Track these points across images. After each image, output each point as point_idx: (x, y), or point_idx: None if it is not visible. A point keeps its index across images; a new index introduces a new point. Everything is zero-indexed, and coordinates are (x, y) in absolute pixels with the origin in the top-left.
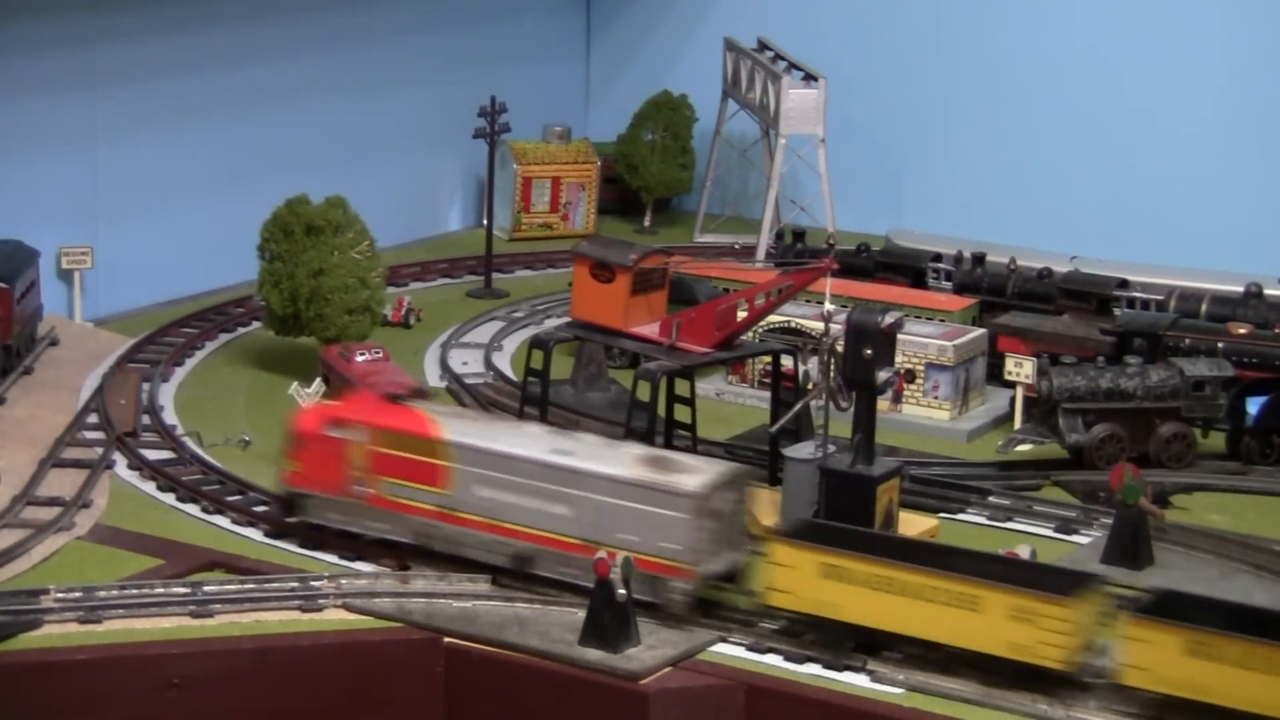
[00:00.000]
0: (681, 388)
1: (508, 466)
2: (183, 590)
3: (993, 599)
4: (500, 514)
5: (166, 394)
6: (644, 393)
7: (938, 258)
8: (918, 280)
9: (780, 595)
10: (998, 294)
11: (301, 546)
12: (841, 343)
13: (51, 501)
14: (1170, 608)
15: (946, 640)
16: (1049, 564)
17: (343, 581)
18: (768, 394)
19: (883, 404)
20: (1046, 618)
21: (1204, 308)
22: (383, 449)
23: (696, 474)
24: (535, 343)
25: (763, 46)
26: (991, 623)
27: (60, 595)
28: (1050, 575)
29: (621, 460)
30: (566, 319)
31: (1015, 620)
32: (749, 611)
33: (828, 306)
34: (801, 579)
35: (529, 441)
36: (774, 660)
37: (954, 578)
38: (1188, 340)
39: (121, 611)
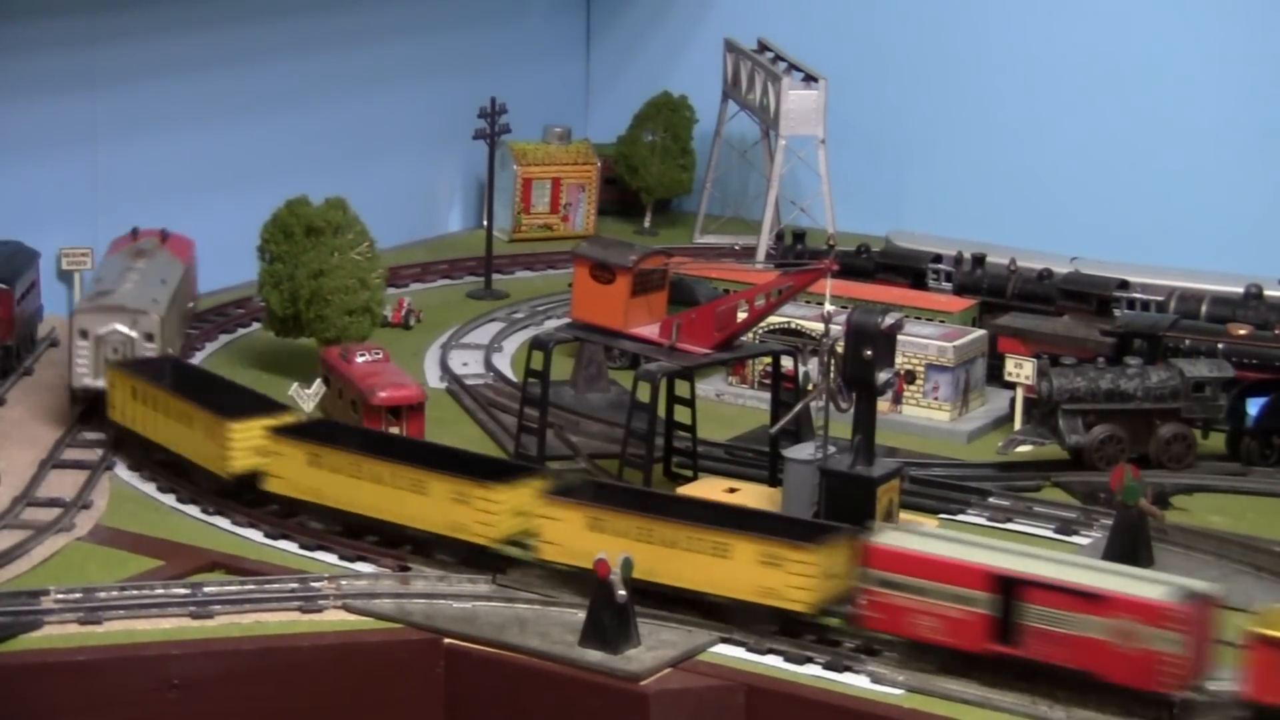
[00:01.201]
0: (681, 389)
1: None
2: (183, 591)
3: (199, 418)
4: None
5: None
6: (644, 394)
7: (938, 259)
8: (918, 281)
9: (114, 411)
10: (998, 295)
11: (302, 548)
12: (841, 344)
13: (52, 502)
14: (578, 491)
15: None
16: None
17: (343, 582)
18: (768, 395)
19: (883, 405)
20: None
21: (1204, 309)
22: None
23: (97, 301)
24: (535, 344)
25: (763, 47)
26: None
27: (60, 596)
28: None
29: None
30: (566, 320)
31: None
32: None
33: (828, 307)
34: (122, 399)
35: None
36: (774, 661)
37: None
38: (1188, 341)
39: (122, 612)
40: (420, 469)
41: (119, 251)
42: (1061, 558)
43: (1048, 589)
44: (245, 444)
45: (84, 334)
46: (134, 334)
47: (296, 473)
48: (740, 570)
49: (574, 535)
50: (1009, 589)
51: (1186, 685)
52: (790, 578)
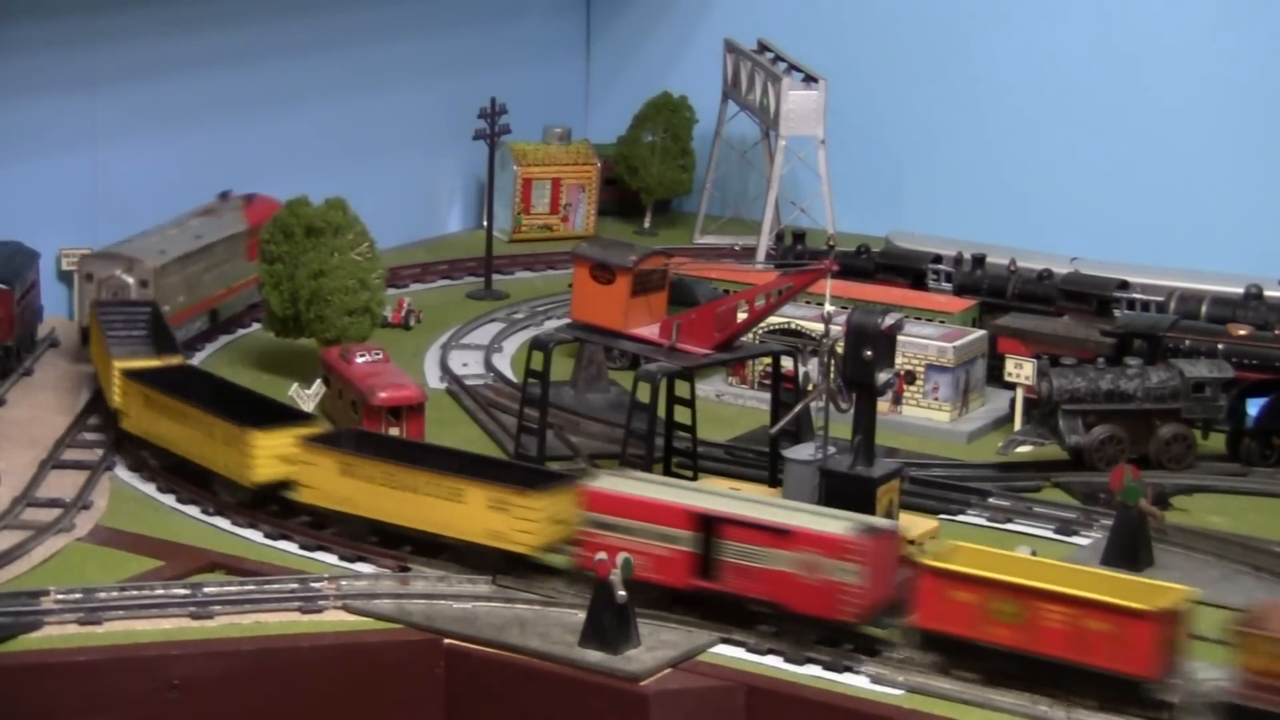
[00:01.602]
0: (681, 389)
1: None
2: (183, 591)
3: (105, 356)
4: None
5: None
6: (644, 394)
7: (938, 259)
8: (918, 282)
9: (88, 345)
10: (998, 295)
11: (302, 548)
12: (841, 344)
13: (52, 503)
14: (332, 439)
15: None
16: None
17: (343, 583)
18: (768, 395)
19: (883, 405)
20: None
21: (1204, 309)
22: None
23: (108, 248)
24: (535, 344)
25: (763, 48)
26: None
27: (60, 597)
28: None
29: None
30: (566, 320)
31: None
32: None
33: (828, 308)
34: (90, 335)
35: None
36: (774, 661)
37: None
38: (1188, 341)
39: (121, 613)
40: (208, 414)
41: (192, 209)
42: (759, 499)
43: (742, 525)
44: (119, 383)
45: (89, 277)
46: (130, 279)
47: (138, 413)
48: (471, 514)
49: (327, 479)
50: (708, 527)
51: (865, 615)
52: (516, 521)
